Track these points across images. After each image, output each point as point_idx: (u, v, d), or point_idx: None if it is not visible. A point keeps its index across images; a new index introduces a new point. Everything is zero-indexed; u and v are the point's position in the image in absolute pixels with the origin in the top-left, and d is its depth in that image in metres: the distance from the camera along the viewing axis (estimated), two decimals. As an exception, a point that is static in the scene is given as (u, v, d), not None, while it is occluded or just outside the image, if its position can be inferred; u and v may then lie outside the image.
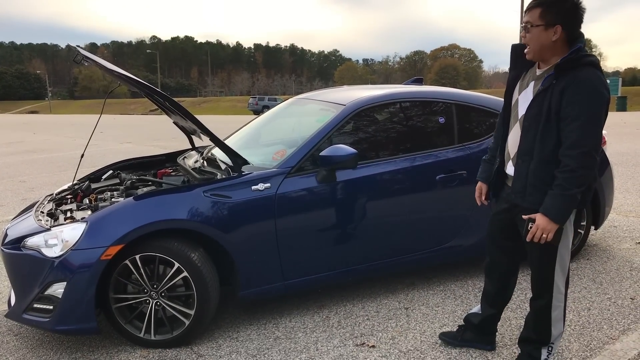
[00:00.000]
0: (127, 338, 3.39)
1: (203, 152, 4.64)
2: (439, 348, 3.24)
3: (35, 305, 3.27)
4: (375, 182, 3.79)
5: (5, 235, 3.62)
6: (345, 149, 3.54)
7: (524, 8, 2.65)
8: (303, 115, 4.59)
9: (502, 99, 4.39)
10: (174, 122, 4.76)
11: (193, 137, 4.83)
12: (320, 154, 3.58)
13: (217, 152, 4.32)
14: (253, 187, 3.50)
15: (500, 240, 3.01)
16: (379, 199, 3.80)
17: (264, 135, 4.69)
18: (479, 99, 4.33)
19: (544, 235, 2.56)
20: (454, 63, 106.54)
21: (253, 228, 3.47)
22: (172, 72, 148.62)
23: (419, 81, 5.02)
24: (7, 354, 3.39)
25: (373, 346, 3.30)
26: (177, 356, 3.28)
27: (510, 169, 2.82)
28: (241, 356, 3.26)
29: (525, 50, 2.65)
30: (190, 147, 5.05)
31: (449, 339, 3.27)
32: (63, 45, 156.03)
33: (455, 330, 3.33)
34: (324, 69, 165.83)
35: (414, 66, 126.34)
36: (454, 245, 4.09)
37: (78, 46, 3.84)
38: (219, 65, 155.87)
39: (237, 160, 3.66)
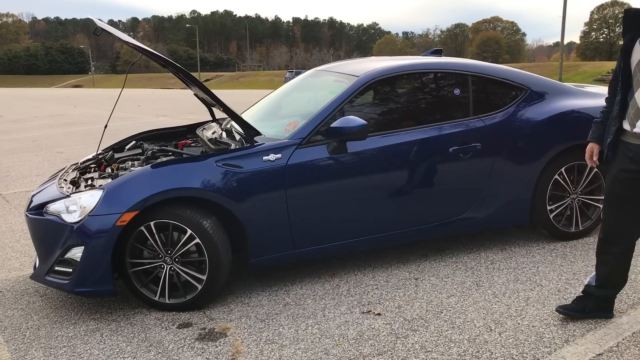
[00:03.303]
0: (143, 301, 3.54)
1: (222, 124, 4.73)
2: (443, 317, 3.28)
3: (56, 268, 3.44)
4: (386, 154, 3.82)
5: (31, 201, 3.79)
6: (355, 120, 3.57)
7: None
8: (318, 87, 4.62)
9: (522, 71, 4.38)
10: (195, 94, 4.85)
11: (213, 109, 4.91)
12: (330, 126, 3.62)
13: (235, 124, 4.39)
14: (264, 158, 3.57)
15: (626, 198, 2.98)
16: (390, 170, 3.83)
17: (281, 107, 4.75)
18: (495, 71, 4.28)
19: None
20: (496, 36, 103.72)
21: (264, 197, 3.55)
22: (212, 47, 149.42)
23: (438, 53, 4.97)
24: (32, 313, 3.59)
25: (379, 314, 3.36)
26: (189, 319, 3.41)
27: None
28: (251, 320, 3.37)
29: None
30: (210, 118, 5.13)
31: (571, 312, 3.18)
32: (106, 20, 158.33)
33: (573, 302, 3.23)
34: (363, 42, 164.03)
35: (455, 39, 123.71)
36: (467, 218, 4.10)
37: (99, 19, 3.94)
38: (258, 39, 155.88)
39: (250, 131, 3.73)
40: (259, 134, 3.74)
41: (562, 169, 4.23)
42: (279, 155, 3.59)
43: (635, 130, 2.87)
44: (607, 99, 3.14)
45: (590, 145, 3.18)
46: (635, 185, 2.93)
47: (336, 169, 3.70)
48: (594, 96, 4.45)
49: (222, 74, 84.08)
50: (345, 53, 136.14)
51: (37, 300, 3.77)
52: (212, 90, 3.79)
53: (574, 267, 3.91)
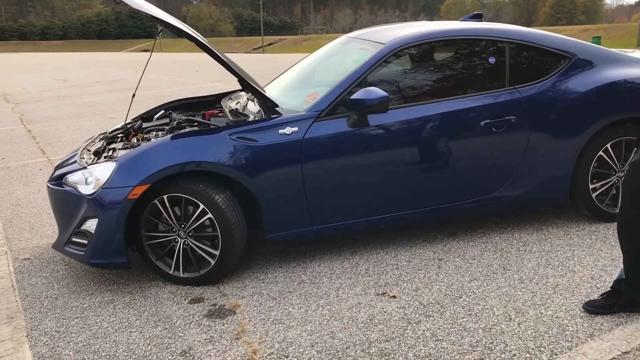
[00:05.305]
0: (158, 274, 3.53)
1: (249, 94, 4.60)
2: (461, 303, 3.10)
3: (73, 239, 3.47)
4: (410, 128, 3.60)
5: (54, 171, 3.83)
6: (375, 92, 3.37)
7: None
8: (345, 55, 4.41)
9: (567, 38, 4.05)
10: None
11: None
12: (350, 98, 3.44)
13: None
14: (280, 131, 3.45)
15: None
16: (414, 145, 3.62)
17: (307, 76, 4.57)
18: (536, 37, 3.94)
19: None
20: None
21: (279, 172, 3.43)
22: (276, 10, 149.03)
23: (477, 17, 4.62)
24: (54, 282, 3.65)
25: (394, 296, 3.21)
26: (202, 294, 3.38)
27: None
28: (262, 298, 3.30)
29: None
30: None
31: (599, 309, 2.89)
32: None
33: (601, 298, 2.95)
34: (430, 3, 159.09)
35: (527, 0, 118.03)
36: (499, 196, 3.84)
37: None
38: (322, 1, 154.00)
39: (266, 102, 3.60)
40: (276, 105, 3.61)
41: (608, 145, 3.88)
42: (295, 129, 3.45)
43: None
44: None
45: None
46: None
47: (356, 144, 3.52)
48: (648, 64, 4.04)
49: (285, 37, 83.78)
50: (411, 15, 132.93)
51: (62, 269, 3.83)
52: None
53: (613, 252, 3.61)
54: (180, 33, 3.52)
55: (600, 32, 40.42)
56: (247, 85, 3.58)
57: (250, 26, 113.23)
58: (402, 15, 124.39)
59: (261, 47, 68.30)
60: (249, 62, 31.96)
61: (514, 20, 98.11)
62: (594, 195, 3.96)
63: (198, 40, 3.54)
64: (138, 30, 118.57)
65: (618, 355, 2.57)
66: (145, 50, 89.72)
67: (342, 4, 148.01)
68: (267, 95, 3.67)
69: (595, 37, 30.91)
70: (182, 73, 22.16)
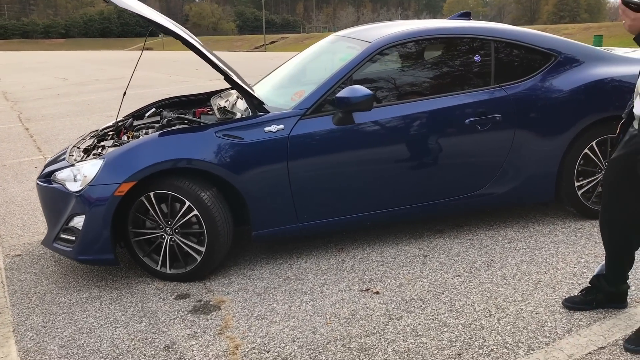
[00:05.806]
0: (145, 270, 3.57)
1: (239, 92, 4.63)
2: (443, 299, 3.13)
3: (61, 236, 3.51)
4: (395, 126, 3.63)
5: (44, 168, 3.87)
6: (360, 90, 3.40)
7: None
8: (334, 53, 4.44)
9: (554, 36, 4.08)
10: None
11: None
12: (336, 96, 3.47)
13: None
14: (266, 129, 3.48)
15: (619, 188, 2.73)
16: (398, 143, 3.65)
17: (296, 75, 4.59)
18: (523, 35, 3.96)
19: None
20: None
21: (264, 169, 3.47)
22: (278, 8, 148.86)
23: (466, 15, 4.64)
24: (43, 278, 3.69)
25: (377, 292, 3.25)
26: (188, 290, 3.41)
27: (638, 107, 2.57)
28: (248, 294, 3.33)
29: None
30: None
31: (578, 305, 2.93)
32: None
33: (580, 294, 2.98)
34: (433, 1, 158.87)
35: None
36: (485, 193, 3.87)
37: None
38: (325, 0, 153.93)
39: (252, 100, 3.63)
40: (262, 103, 3.64)
41: (594, 143, 3.91)
42: (281, 126, 3.48)
43: (635, 109, 2.57)
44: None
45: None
46: (627, 169, 2.64)
47: (341, 141, 3.55)
48: (633, 62, 4.06)
49: (287, 35, 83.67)
50: (413, 13, 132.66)
51: (51, 265, 3.87)
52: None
53: (597, 249, 3.63)
54: (167, 32, 3.55)
55: (603, 30, 40.23)
56: (234, 83, 3.61)
57: (253, 24, 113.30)
58: (405, 14, 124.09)
59: (263, 45, 68.25)
60: (249, 60, 32.00)
61: (517, 18, 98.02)
62: (579, 193, 3.98)
63: (184, 38, 3.56)
64: (140, 29, 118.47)
65: (594, 350, 2.60)
66: (147, 49, 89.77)
67: (344, 2, 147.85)
68: (254, 93, 3.70)
69: (597, 35, 30.83)
70: (182, 71, 22.19)
